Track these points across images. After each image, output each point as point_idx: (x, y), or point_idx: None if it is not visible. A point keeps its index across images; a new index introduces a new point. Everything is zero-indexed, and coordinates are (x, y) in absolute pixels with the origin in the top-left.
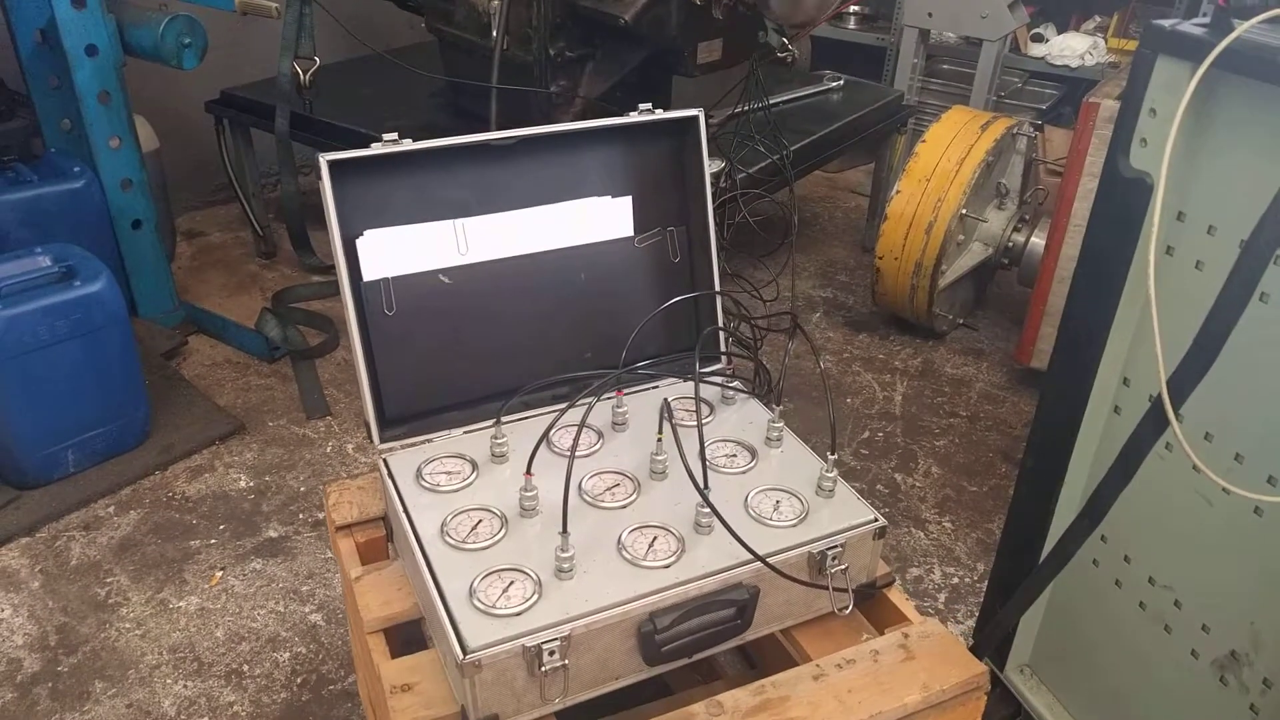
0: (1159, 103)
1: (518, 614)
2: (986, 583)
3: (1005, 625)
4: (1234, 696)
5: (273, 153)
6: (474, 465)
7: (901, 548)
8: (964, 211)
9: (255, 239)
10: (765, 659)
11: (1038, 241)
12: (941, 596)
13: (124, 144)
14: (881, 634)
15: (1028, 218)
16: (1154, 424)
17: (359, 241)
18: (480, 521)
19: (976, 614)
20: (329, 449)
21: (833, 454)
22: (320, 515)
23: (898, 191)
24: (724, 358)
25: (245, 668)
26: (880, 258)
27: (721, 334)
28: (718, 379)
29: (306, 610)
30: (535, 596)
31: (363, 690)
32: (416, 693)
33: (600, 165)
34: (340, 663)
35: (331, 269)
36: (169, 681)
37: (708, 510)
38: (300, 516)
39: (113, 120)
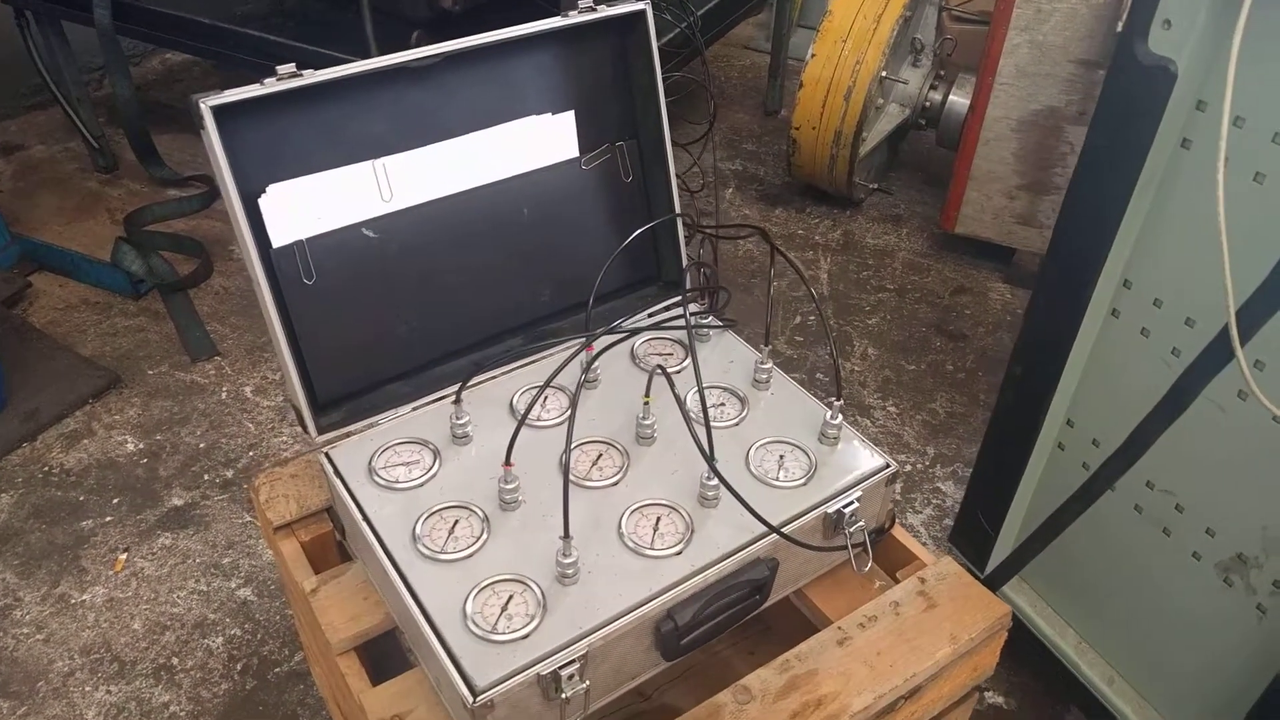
0: None
1: (525, 636)
2: (963, 485)
3: (1023, 561)
4: (1239, 597)
5: (94, 43)
6: (434, 452)
7: None
8: (884, 74)
9: (90, 150)
10: (775, 617)
11: (956, 100)
12: (897, 487)
13: None
14: (895, 579)
15: (942, 73)
16: (1215, 359)
17: (262, 201)
18: (457, 523)
19: (933, 502)
20: (224, 394)
21: (838, 399)
22: (229, 474)
23: (813, 55)
24: (700, 293)
25: (175, 661)
26: (797, 128)
27: (696, 269)
28: (703, 320)
29: (232, 585)
30: (540, 611)
31: (334, 712)
32: None
33: (536, 78)
34: (283, 640)
35: (189, 180)
36: (88, 689)
37: (713, 481)
38: (205, 478)
39: None
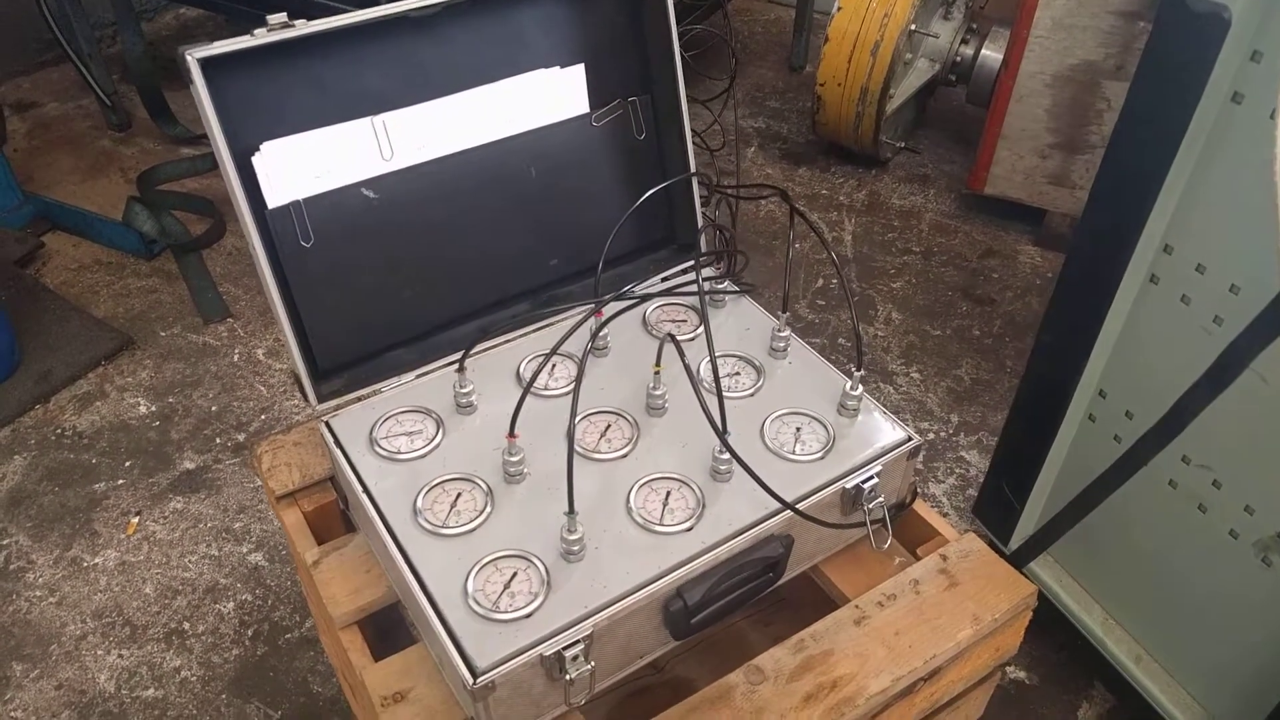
0: None
1: (528, 615)
2: (991, 456)
3: (1050, 538)
4: (1279, 578)
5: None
6: (438, 421)
7: None
8: (913, 27)
9: (102, 108)
10: (793, 588)
11: (989, 54)
12: (920, 458)
13: None
14: (915, 555)
15: (974, 26)
16: (1265, 328)
17: (255, 159)
18: (460, 495)
19: (957, 471)
20: (236, 357)
21: (859, 369)
22: (241, 437)
23: (839, 8)
24: (716, 257)
25: (186, 625)
26: (822, 84)
27: (712, 231)
28: (718, 285)
29: (244, 550)
30: (544, 589)
31: (343, 682)
32: (412, 701)
33: (544, 27)
34: (294, 606)
35: (202, 138)
36: (100, 653)
37: (725, 455)
38: (218, 441)
39: None
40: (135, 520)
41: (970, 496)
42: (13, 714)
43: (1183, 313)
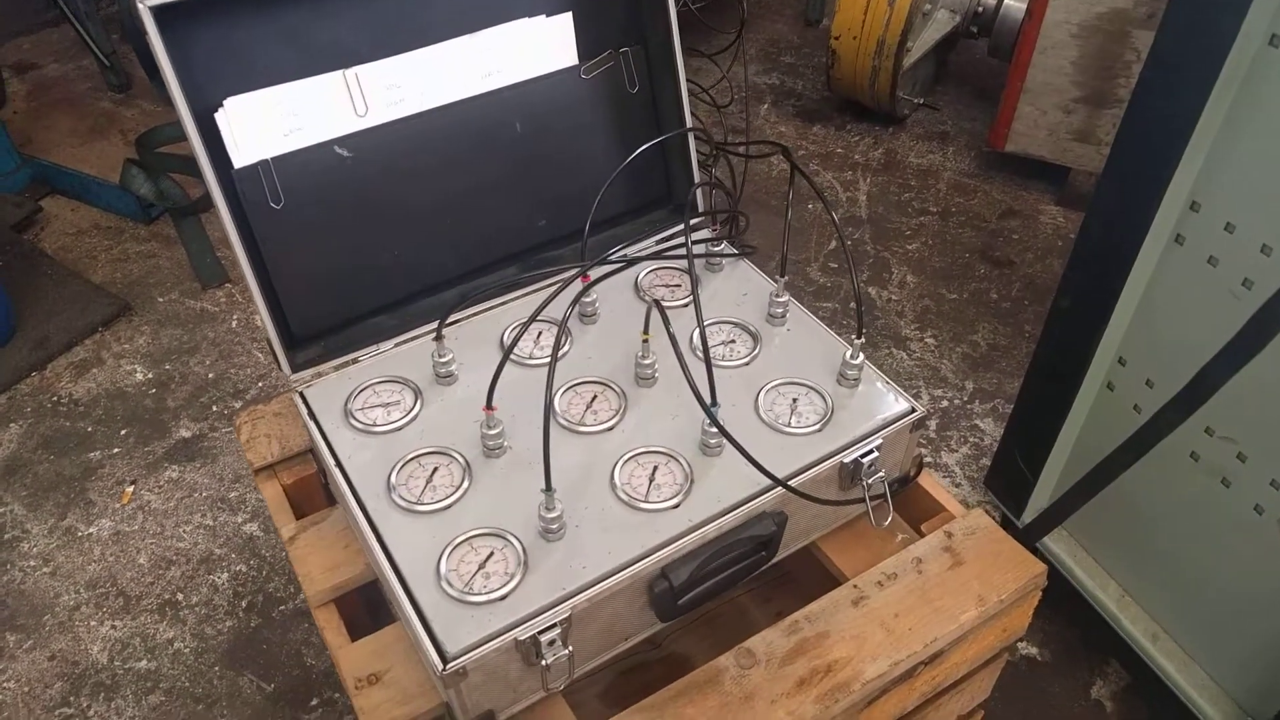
0: None
1: (503, 597)
2: (1003, 423)
3: (1065, 513)
4: None
5: None
6: (416, 392)
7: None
8: None
9: (101, 69)
10: (793, 560)
11: (1012, 4)
12: (932, 424)
13: None
14: (919, 532)
15: None
16: None
17: (219, 115)
18: (435, 470)
19: (970, 440)
20: (234, 323)
21: (859, 337)
22: (237, 405)
23: None
24: (710, 217)
25: (179, 596)
26: (836, 38)
27: (706, 189)
28: (714, 248)
29: (239, 520)
30: (520, 570)
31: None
32: (387, 684)
33: None
34: (288, 577)
35: None
36: (93, 624)
37: (717, 429)
38: (214, 409)
39: None
40: (130, 489)
41: (984, 466)
42: (5, 685)
43: (1210, 275)
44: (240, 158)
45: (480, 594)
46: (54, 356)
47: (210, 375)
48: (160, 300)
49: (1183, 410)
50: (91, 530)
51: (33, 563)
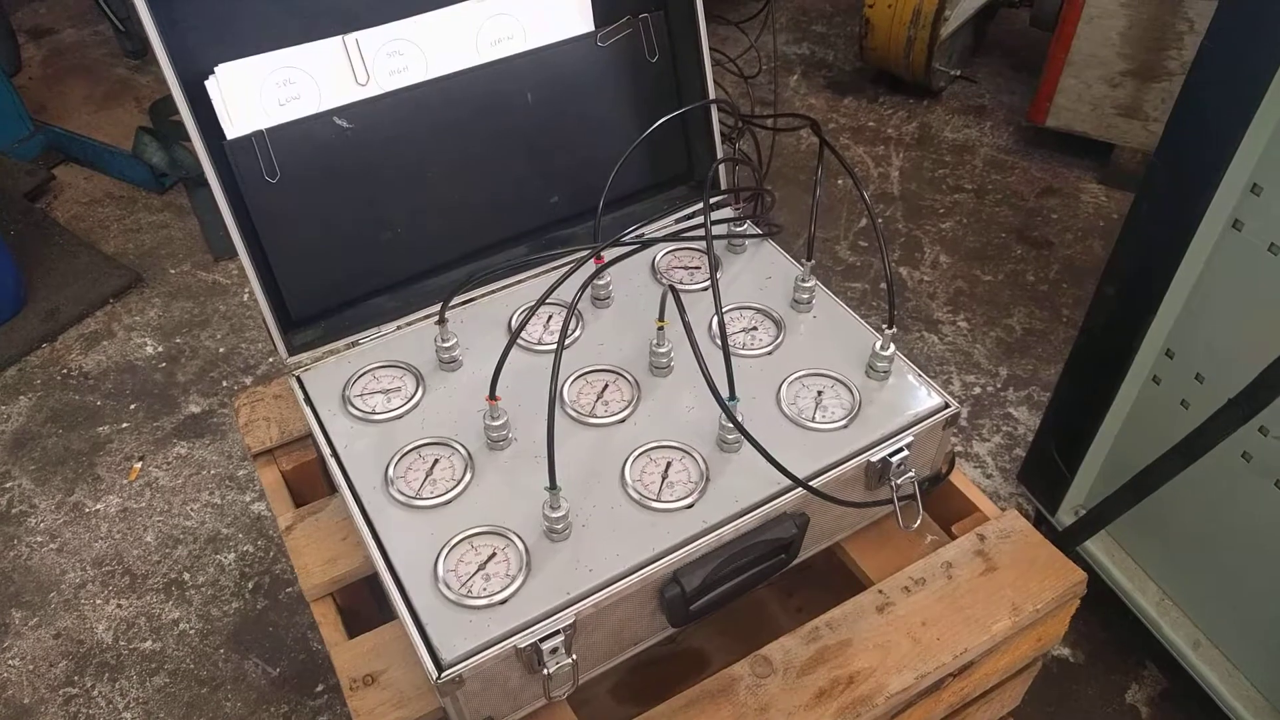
0: None
1: (503, 601)
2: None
3: (1106, 518)
4: None
5: None
6: (418, 378)
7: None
8: None
9: (116, 34)
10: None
11: None
12: (964, 411)
13: None
14: (950, 534)
15: None
16: None
17: (210, 83)
18: (436, 462)
19: (1003, 429)
20: (246, 296)
21: (890, 326)
22: (247, 380)
23: None
24: (733, 195)
25: (186, 576)
26: (870, 6)
27: (729, 165)
28: (737, 228)
29: (247, 499)
30: (522, 572)
31: None
32: (383, 685)
33: None
34: None
35: None
36: (99, 602)
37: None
38: (224, 385)
39: None
40: (138, 465)
41: (1017, 457)
42: (10, 662)
43: (1270, 264)
44: (233, 129)
45: (479, 597)
46: (65, 328)
47: (221, 350)
48: (172, 272)
49: (1244, 412)
50: (99, 506)
51: (40, 538)
